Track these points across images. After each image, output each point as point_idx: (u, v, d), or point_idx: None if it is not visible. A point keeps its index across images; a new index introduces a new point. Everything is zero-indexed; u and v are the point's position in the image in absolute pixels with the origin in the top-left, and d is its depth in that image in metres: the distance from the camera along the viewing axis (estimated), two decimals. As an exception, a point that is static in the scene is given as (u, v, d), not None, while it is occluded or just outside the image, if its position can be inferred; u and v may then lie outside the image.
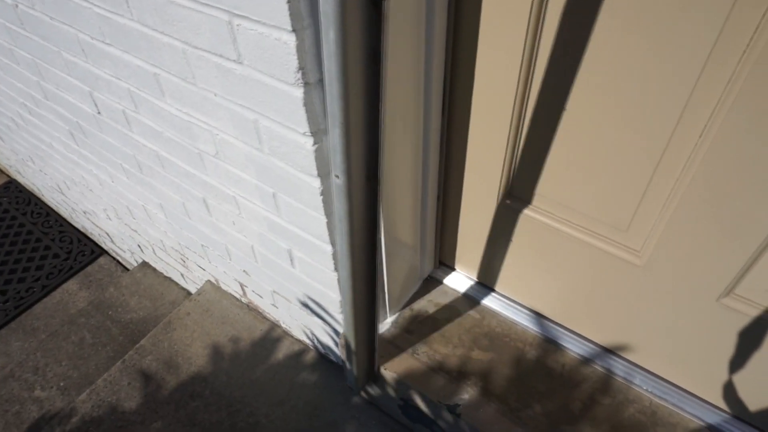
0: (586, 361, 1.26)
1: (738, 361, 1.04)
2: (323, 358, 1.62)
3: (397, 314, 1.39)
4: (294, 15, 0.75)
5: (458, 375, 1.26)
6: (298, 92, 0.84)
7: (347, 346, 1.28)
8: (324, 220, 1.07)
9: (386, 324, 1.37)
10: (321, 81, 0.85)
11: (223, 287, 1.85)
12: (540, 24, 0.84)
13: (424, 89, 0.99)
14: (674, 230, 0.94)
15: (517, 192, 1.13)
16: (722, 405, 1.14)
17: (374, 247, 1.05)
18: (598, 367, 1.25)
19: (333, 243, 1.13)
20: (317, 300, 1.37)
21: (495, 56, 0.93)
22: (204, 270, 1.86)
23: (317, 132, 0.91)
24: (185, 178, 1.39)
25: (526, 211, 1.13)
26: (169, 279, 2.26)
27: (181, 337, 1.74)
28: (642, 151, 0.88)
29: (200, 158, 1.25)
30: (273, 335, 1.71)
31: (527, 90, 0.94)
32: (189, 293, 2.19)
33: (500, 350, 1.31)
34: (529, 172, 1.07)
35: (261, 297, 1.66)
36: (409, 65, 0.92)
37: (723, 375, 1.08)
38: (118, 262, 2.70)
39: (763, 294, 0.92)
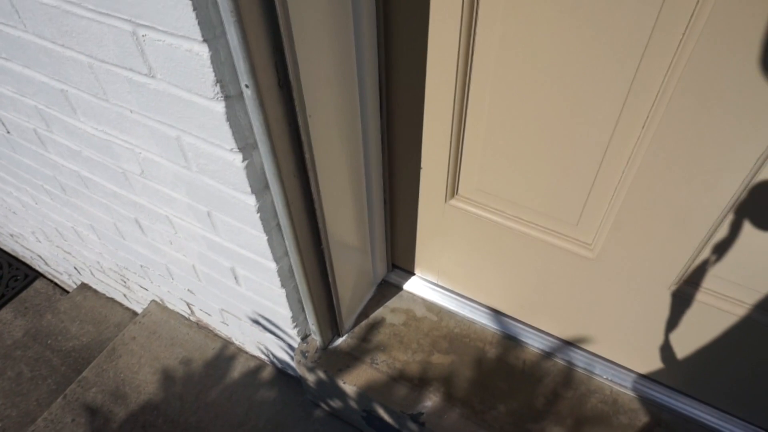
0: (546, 355, 1.25)
1: (691, 345, 1.04)
2: (281, 373, 1.56)
3: (352, 323, 1.34)
4: (203, 24, 0.67)
5: (420, 382, 1.23)
6: (220, 107, 0.77)
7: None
8: (264, 237, 1.00)
9: (342, 335, 1.31)
10: (243, 93, 0.78)
11: (170, 306, 1.74)
12: (474, 16, 0.79)
13: (358, 88, 0.93)
14: (624, 222, 0.92)
15: (465, 192, 1.09)
16: (681, 387, 1.15)
17: (319, 242, 1.00)
18: (558, 361, 1.24)
19: (277, 260, 1.06)
20: (268, 317, 1.30)
21: (432, 50, 0.87)
22: (147, 290, 1.75)
23: (246, 147, 0.84)
24: (113, 198, 1.28)
25: (475, 210, 1.10)
26: (112, 300, 2.13)
27: (127, 364, 1.63)
28: (587, 144, 0.85)
29: (125, 178, 1.15)
30: (226, 353, 1.62)
31: (466, 86, 0.90)
32: (134, 313, 2.07)
33: (460, 352, 1.28)
34: (475, 171, 1.03)
35: (209, 315, 1.57)
36: (337, 62, 0.86)
37: (678, 359, 1.08)
38: (56, 284, 2.52)
39: (712, 280, 0.91)
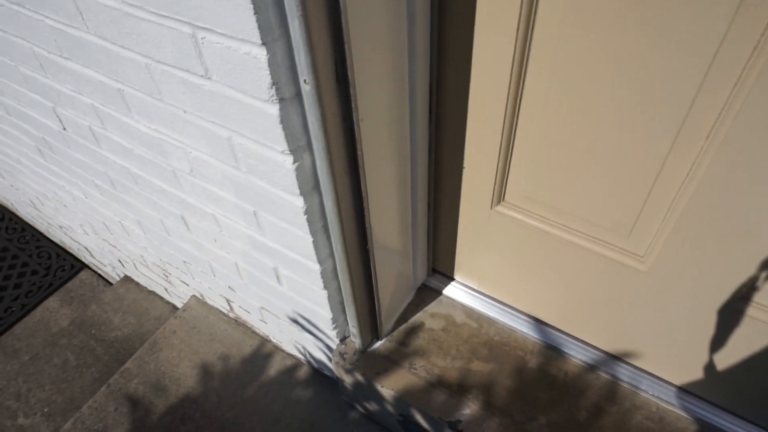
0: (590, 367, 1.21)
1: (744, 363, 1.00)
2: (317, 372, 1.56)
3: (391, 326, 1.33)
4: (263, 27, 0.67)
5: (458, 389, 1.21)
6: (273, 109, 0.77)
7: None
8: (309, 239, 1.00)
9: (381, 338, 1.31)
10: (297, 95, 0.78)
11: (209, 302, 1.78)
12: (532, 21, 0.78)
13: (409, 88, 0.92)
14: (681, 234, 0.89)
15: (512, 198, 1.07)
16: (731, 407, 1.10)
17: (365, 244, 1.00)
18: (602, 374, 1.20)
19: (320, 261, 1.06)
20: (308, 317, 1.31)
21: (485, 55, 0.86)
22: (188, 285, 1.78)
23: (297, 149, 0.84)
24: (161, 195, 1.31)
25: (522, 217, 1.08)
26: (153, 293, 2.18)
27: (168, 357, 1.67)
28: (644, 155, 0.82)
29: (174, 176, 1.17)
30: (263, 351, 1.64)
31: (519, 93, 0.88)
32: (174, 307, 2.11)
33: (500, 360, 1.26)
34: (523, 178, 1.01)
35: (249, 312, 1.59)
36: (390, 60, 0.85)
37: (730, 377, 1.04)
38: (99, 276, 2.60)
39: (776, 299, 0.87)
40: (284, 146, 0.82)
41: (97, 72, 1.04)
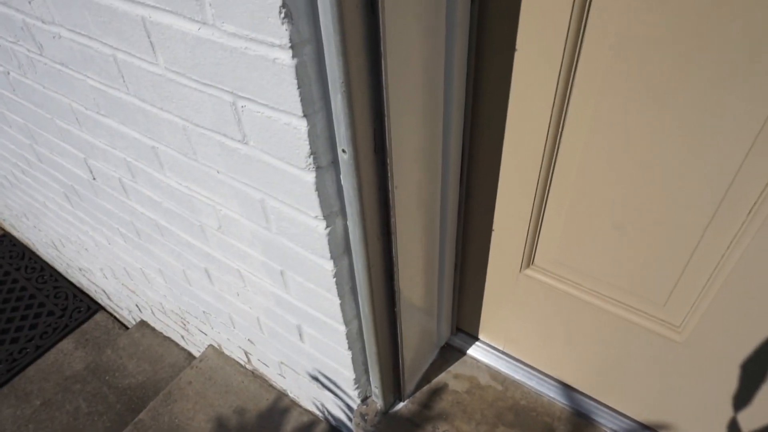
0: (622, 438, 1.17)
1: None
2: (335, 430, 1.52)
3: (414, 387, 1.29)
4: (305, 100, 0.68)
5: (484, 457, 1.16)
6: (310, 177, 0.78)
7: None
8: (337, 301, 0.99)
9: (403, 399, 1.27)
10: (333, 162, 0.79)
11: (227, 353, 1.75)
12: (568, 92, 0.78)
13: (442, 159, 0.93)
14: (721, 306, 0.86)
15: (541, 262, 1.05)
16: (776, 488, 1.04)
17: (393, 305, 0.98)
18: (635, 446, 1.15)
19: (346, 323, 1.05)
20: (329, 375, 1.28)
21: (520, 125, 0.86)
22: (206, 335, 1.76)
23: (330, 215, 0.84)
24: (186, 248, 1.32)
25: (552, 282, 1.06)
26: (169, 339, 2.16)
27: (182, 410, 1.64)
28: (681, 227, 0.81)
29: (202, 231, 1.18)
30: (280, 405, 1.60)
31: (554, 156, 0.88)
32: (190, 354, 2.09)
33: (527, 426, 1.21)
34: (556, 241, 0.99)
35: (267, 366, 1.56)
36: (425, 138, 0.86)
37: (777, 458, 0.99)
38: (115, 319, 2.60)
39: (824, 378, 0.84)
40: (318, 212, 0.82)
41: (132, 130, 1.06)
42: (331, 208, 0.84)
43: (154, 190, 1.20)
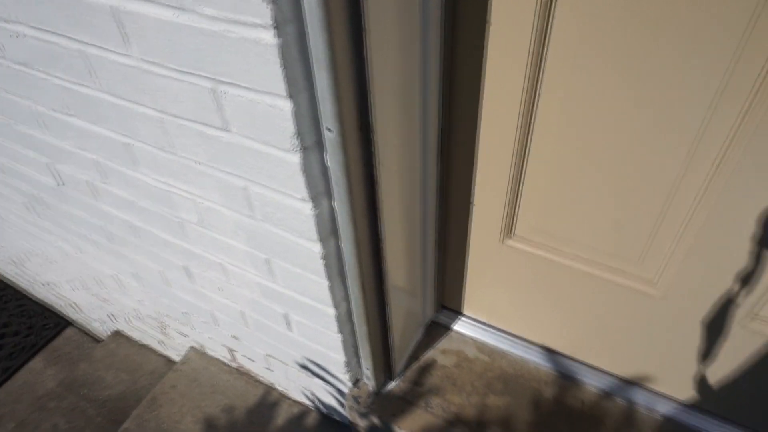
0: (606, 394, 1.22)
1: (756, 377, 1.02)
2: (327, 418, 1.53)
3: (403, 366, 1.32)
4: (290, 80, 0.69)
5: (477, 426, 1.20)
6: (295, 158, 0.79)
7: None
8: (326, 284, 1.00)
9: (394, 379, 1.29)
10: (318, 143, 0.80)
11: (209, 353, 1.73)
12: (542, 59, 0.82)
13: (422, 133, 0.95)
14: (693, 258, 0.92)
15: (522, 231, 1.09)
16: (750, 424, 1.11)
17: (381, 285, 1.00)
18: (619, 400, 1.21)
19: (336, 305, 1.06)
20: (319, 362, 1.29)
21: (495, 93, 0.90)
22: (186, 336, 1.74)
23: (316, 196, 0.85)
24: (164, 247, 1.30)
25: (532, 250, 1.10)
26: (146, 347, 2.12)
27: (169, 414, 1.61)
28: (655, 183, 0.86)
29: (181, 227, 1.16)
30: (269, 400, 1.60)
31: (530, 125, 0.91)
32: (169, 360, 2.05)
33: (516, 393, 1.25)
34: (535, 210, 1.03)
35: (253, 361, 1.56)
36: (405, 112, 0.88)
37: (749, 397, 1.06)
38: (86, 333, 2.52)
39: (787, 315, 0.90)
40: (304, 193, 0.83)
41: (104, 128, 1.04)
42: (317, 189, 0.85)
43: (127, 190, 1.18)
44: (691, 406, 1.16)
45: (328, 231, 0.92)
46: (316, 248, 0.93)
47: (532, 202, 1.03)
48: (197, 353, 1.76)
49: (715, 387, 1.09)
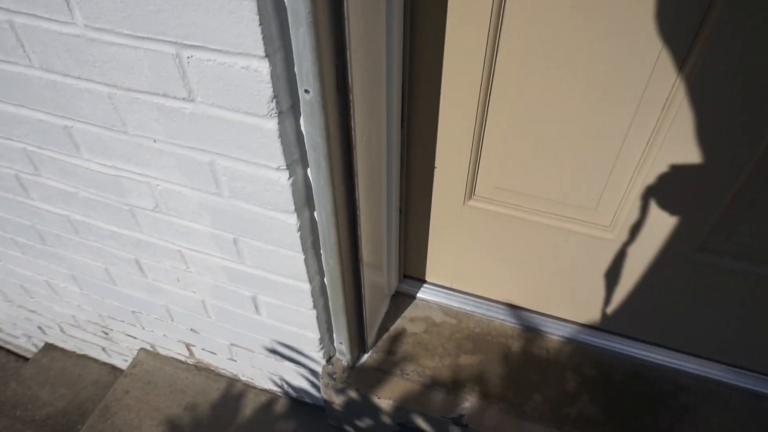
0: (568, 341, 1.30)
1: (715, 311, 1.13)
2: (296, 402, 1.51)
3: (374, 338, 1.32)
4: (267, 39, 0.66)
5: (453, 385, 1.23)
6: (272, 124, 0.76)
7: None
8: (301, 257, 0.98)
9: (367, 351, 1.30)
10: (293, 107, 0.77)
11: (162, 352, 1.64)
12: (500, 19, 0.84)
13: (386, 101, 0.95)
14: (645, 200, 0.99)
15: (482, 191, 1.12)
16: (707, 354, 1.23)
17: (356, 255, 1.00)
18: (581, 343, 1.29)
19: (310, 280, 1.04)
20: (289, 343, 1.26)
21: (456, 56, 0.91)
22: (135, 338, 1.63)
23: (291, 164, 0.83)
24: (110, 241, 1.21)
25: (493, 208, 1.13)
26: (86, 357, 1.97)
27: (125, 420, 1.51)
28: (607, 133, 0.91)
29: (132, 215, 1.09)
30: (233, 392, 1.55)
31: (490, 83, 0.93)
32: (115, 368, 1.92)
33: (486, 350, 1.30)
34: (494, 169, 1.07)
35: (214, 353, 1.49)
36: (373, 72, 0.87)
37: (702, 327, 1.16)
38: (9, 351, 2.30)
39: (734, 245, 1.00)
40: (281, 161, 0.81)
41: (36, 111, 0.95)
42: (292, 157, 0.82)
43: (66, 180, 1.08)
44: (647, 342, 1.26)
45: (302, 201, 0.90)
46: (292, 220, 0.91)
47: (492, 161, 1.06)
48: (149, 354, 1.66)
49: (666, 319, 1.19)
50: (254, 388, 1.55)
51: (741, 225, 0.97)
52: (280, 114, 0.75)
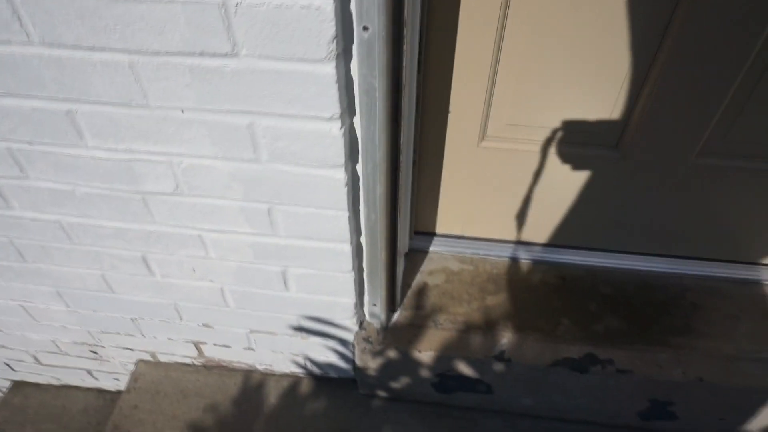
0: (580, 266, 1.37)
1: (716, 210, 1.23)
2: (321, 379, 1.48)
3: (400, 297, 1.32)
4: (332, -30, 0.63)
5: (487, 326, 1.26)
6: (329, 68, 0.73)
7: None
8: (345, 215, 0.96)
9: (396, 310, 1.29)
10: (346, 50, 0.74)
11: (164, 359, 1.54)
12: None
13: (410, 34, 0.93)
14: (650, 118, 1.05)
15: (494, 131, 1.14)
16: (707, 255, 1.35)
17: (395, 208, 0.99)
18: (592, 267, 1.36)
19: (351, 240, 1.02)
20: (319, 315, 1.23)
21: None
22: (132, 350, 1.52)
23: (342, 113, 0.80)
24: (112, 240, 1.11)
25: (507, 146, 1.16)
26: (65, 387, 1.80)
27: (141, 437, 1.41)
28: (616, 61, 0.97)
29: (144, 205, 1.00)
30: (252, 383, 1.49)
31: (504, 27, 0.95)
32: (101, 390, 1.78)
33: (507, 288, 1.34)
34: (508, 106, 1.09)
35: (228, 347, 1.42)
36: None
37: (702, 229, 1.27)
38: (-37, 401, 2.05)
39: (728, 146, 1.10)
40: (335, 109, 0.78)
41: (30, 98, 0.84)
42: (343, 105, 0.80)
43: (61, 177, 0.97)
44: (653, 254, 1.36)
45: (350, 153, 0.87)
46: (340, 175, 0.88)
47: (504, 99, 1.08)
48: (149, 365, 1.55)
49: (669, 229, 1.29)
50: (273, 374, 1.50)
51: (734, 127, 1.06)
52: (338, 56, 0.72)
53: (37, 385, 1.82)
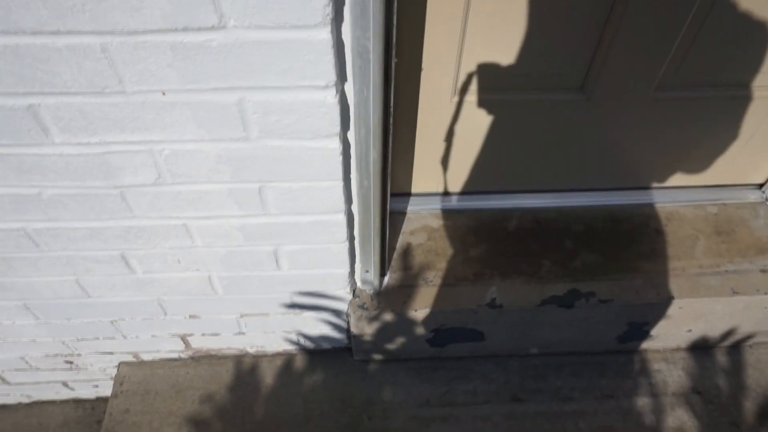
0: (552, 209, 1.43)
1: (673, 138, 1.31)
2: (315, 353, 1.48)
3: (388, 261, 1.33)
4: (328, -72, 0.60)
5: (475, 276, 1.31)
6: (324, 33, 0.70)
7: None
8: (339, 185, 0.94)
9: (385, 273, 1.31)
10: (338, 13, 0.72)
11: (148, 358, 1.48)
12: None
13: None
14: (611, 59, 1.10)
15: (468, 84, 1.15)
16: (665, 183, 1.44)
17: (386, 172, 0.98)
18: (563, 208, 1.43)
19: (344, 210, 1.00)
20: (313, 289, 1.22)
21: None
22: (111, 354, 1.45)
23: (338, 78, 0.78)
24: (86, 242, 1.03)
25: (480, 96, 1.18)
26: (37, 403, 1.70)
27: (137, 439, 1.37)
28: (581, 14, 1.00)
29: (122, 199, 0.94)
30: (245, 367, 1.47)
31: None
32: (79, 400, 1.69)
33: (487, 238, 1.38)
34: (478, 56, 1.10)
35: (217, 335, 1.39)
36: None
37: (661, 159, 1.35)
38: None
39: (680, 78, 1.16)
40: (330, 76, 0.76)
41: (-17, 95, 0.76)
42: (337, 71, 0.77)
43: (23, 180, 0.89)
44: (617, 189, 1.44)
45: (345, 121, 0.85)
46: (334, 144, 0.86)
47: (474, 50, 1.09)
48: (132, 366, 1.49)
49: (630, 161, 1.36)
50: (266, 355, 1.48)
51: (686, 59, 1.13)
52: (332, 20, 0.69)
53: (3, 407, 1.71)
